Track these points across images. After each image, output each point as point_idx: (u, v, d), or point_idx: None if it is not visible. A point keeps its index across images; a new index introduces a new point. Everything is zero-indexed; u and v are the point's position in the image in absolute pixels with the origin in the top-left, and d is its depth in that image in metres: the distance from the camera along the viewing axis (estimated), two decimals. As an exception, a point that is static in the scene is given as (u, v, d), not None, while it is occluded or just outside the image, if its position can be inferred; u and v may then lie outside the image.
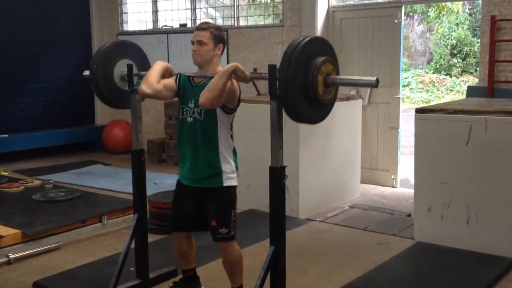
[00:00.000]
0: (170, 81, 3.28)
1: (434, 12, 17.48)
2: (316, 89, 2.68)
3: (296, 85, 2.64)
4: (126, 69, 3.50)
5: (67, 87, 9.02)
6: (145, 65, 3.62)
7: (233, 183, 3.28)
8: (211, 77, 3.05)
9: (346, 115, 5.81)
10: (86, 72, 3.57)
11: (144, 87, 3.18)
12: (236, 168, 3.31)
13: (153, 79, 3.19)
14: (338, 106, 5.46)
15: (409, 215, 5.30)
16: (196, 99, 3.11)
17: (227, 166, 3.23)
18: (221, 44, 3.26)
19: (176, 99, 3.36)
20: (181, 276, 3.64)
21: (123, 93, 3.57)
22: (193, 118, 3.20)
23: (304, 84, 2.67)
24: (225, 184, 3.23)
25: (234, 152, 3.31)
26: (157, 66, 3.25)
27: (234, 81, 3.09)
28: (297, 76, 2.63)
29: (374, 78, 2.67)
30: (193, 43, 3.23)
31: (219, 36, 3.25)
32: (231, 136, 3.28)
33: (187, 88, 3.26)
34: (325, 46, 2.82)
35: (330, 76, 2.73)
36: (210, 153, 3.20)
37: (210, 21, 8.92)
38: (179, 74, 3.32)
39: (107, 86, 3.50)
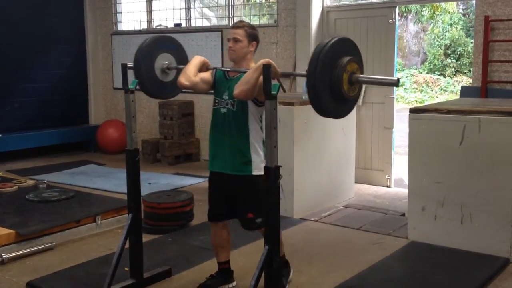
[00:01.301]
0: (207, 75, 3.51)
1: (429, 12, 17.52)
2: (341, 87, 2.84)
3: (323, 82, 2.80)
4: (166, 63, 3.69)
5: (61, 87, 9.00)
6: (183, 57, 3.79)
7: (262, 172, 3.35)
8: (245, 72, 3.27)
9: (341, 115, 5.81)
10: (130, 64, 3.72)
11: (183, 79, 3.43)
12: (264, 157, 3.44)
13: (191, 72, 3.43)
14: (332, 106, 5.53)
15: (403, 214, 5.32)
16: (230, 92, 3.34)
17: (257, 156, 3.42)
18: (254, 42, 3.48)
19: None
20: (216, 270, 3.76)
21: (164, 85, 3.75)
22: (226, 109, 3.42)
23: (331, 81, 2.83)
24: (254, 173, 3.41)
25: (264, 142, 3.45)
26: (195, 60, 3.49)
27: None
28: (324, 74, 2.79)
29: (396, 78, 2.92)
30: (228, 40, 3.46)
31: (253, 34, 3.47)
32: (261, 128, 3.44)
33: (222, 81, 3.49)
34: (350, 46, 2.97)
35: (355, 75, 2.89)
36: (241, 142, 3.40)
37: (205, 20, 8.97)
38: (215, 69, 3.57)
39: (150, 80, 3.66)
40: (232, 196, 3.49)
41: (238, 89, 3.19)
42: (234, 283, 3.73)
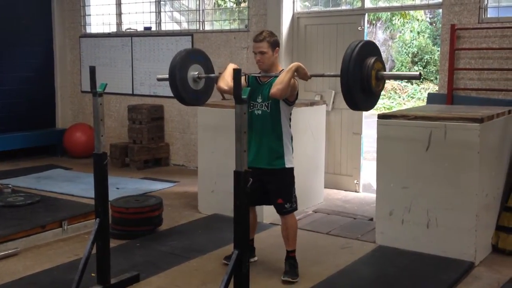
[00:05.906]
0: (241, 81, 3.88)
1: (399, 20, 17.81)
2: (370, 82, 3.29)
3: (355, 78, 3.25)
4: (196, 73, 4.11)
5: (27, 90, 8.83)
6: (210, 67, 4.24)
7: (292, 165, 3.99)
8: (275, 76, 3.82)
9: (311, 120, 5.86)
10: (160, 76, 4.28)
11: (222, 84, 3.93)
12: (292, 151, 4.00)
13: (228, 78, 3.89)
14: (302, 111, 5.58)
15: (371, 219, 5.37)
16: (264, 95, 3.87)
17: (287, 151, 3.94)
18: (277, 48, 3.95)
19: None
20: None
21: (196, 93, 4.17)
22: (261, 111, 3.91)
23: (361, 77, 3.28)
24: (286, 166, 3.94)
25: (292, 138, 4.00)
26: (230, 68, 3.95)
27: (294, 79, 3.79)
28: (356, 71, 3.25)
29: (418, 72, 3.42)
30: (255, 53, 3.91)
31: (274, 41, 3.92)
32: (290, 126, 3.99)
33: (255, 86, 3.95)
34: (375, 48, 3.46)
35: (380, 72, 3.35)
36: (274, 139, 3.90)
37: (175, 24, 8.94)
38: (247, 75, 4.05)
39: (184, 88, 4.06)
40: (265, 186, 3.93)
41: (275, 88, 3.69)
42: (255, 258, 4.26)
